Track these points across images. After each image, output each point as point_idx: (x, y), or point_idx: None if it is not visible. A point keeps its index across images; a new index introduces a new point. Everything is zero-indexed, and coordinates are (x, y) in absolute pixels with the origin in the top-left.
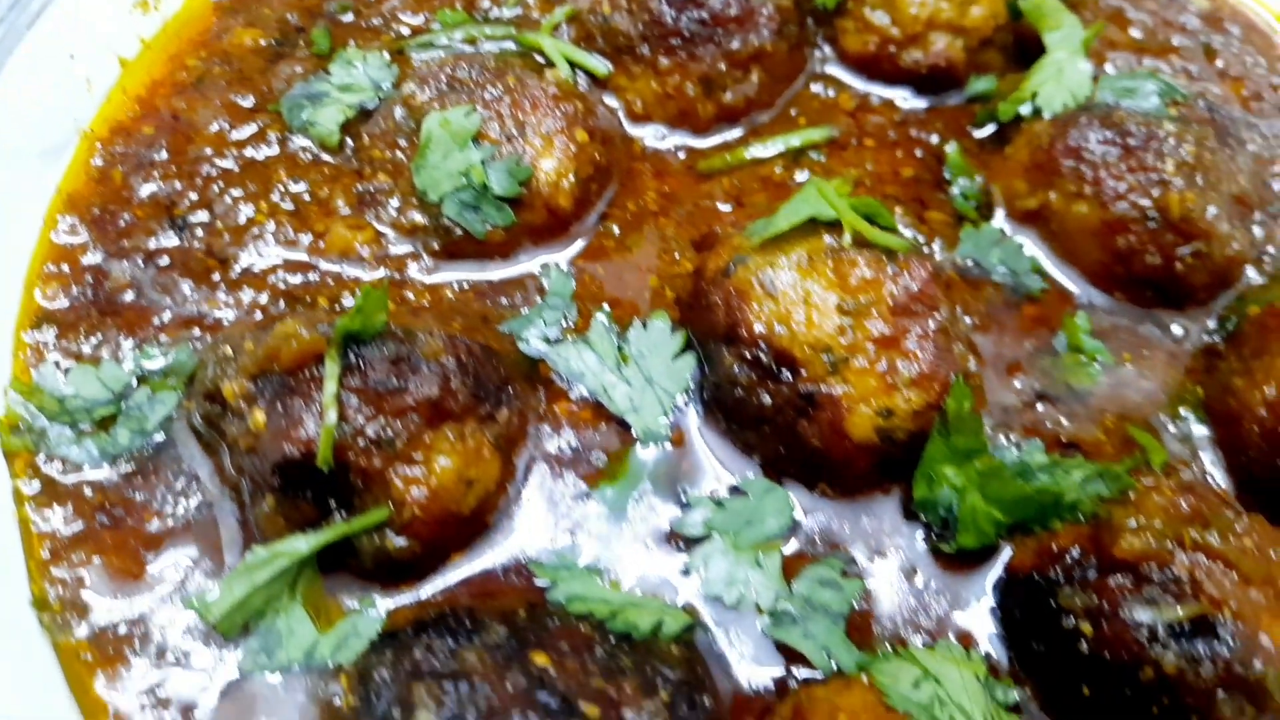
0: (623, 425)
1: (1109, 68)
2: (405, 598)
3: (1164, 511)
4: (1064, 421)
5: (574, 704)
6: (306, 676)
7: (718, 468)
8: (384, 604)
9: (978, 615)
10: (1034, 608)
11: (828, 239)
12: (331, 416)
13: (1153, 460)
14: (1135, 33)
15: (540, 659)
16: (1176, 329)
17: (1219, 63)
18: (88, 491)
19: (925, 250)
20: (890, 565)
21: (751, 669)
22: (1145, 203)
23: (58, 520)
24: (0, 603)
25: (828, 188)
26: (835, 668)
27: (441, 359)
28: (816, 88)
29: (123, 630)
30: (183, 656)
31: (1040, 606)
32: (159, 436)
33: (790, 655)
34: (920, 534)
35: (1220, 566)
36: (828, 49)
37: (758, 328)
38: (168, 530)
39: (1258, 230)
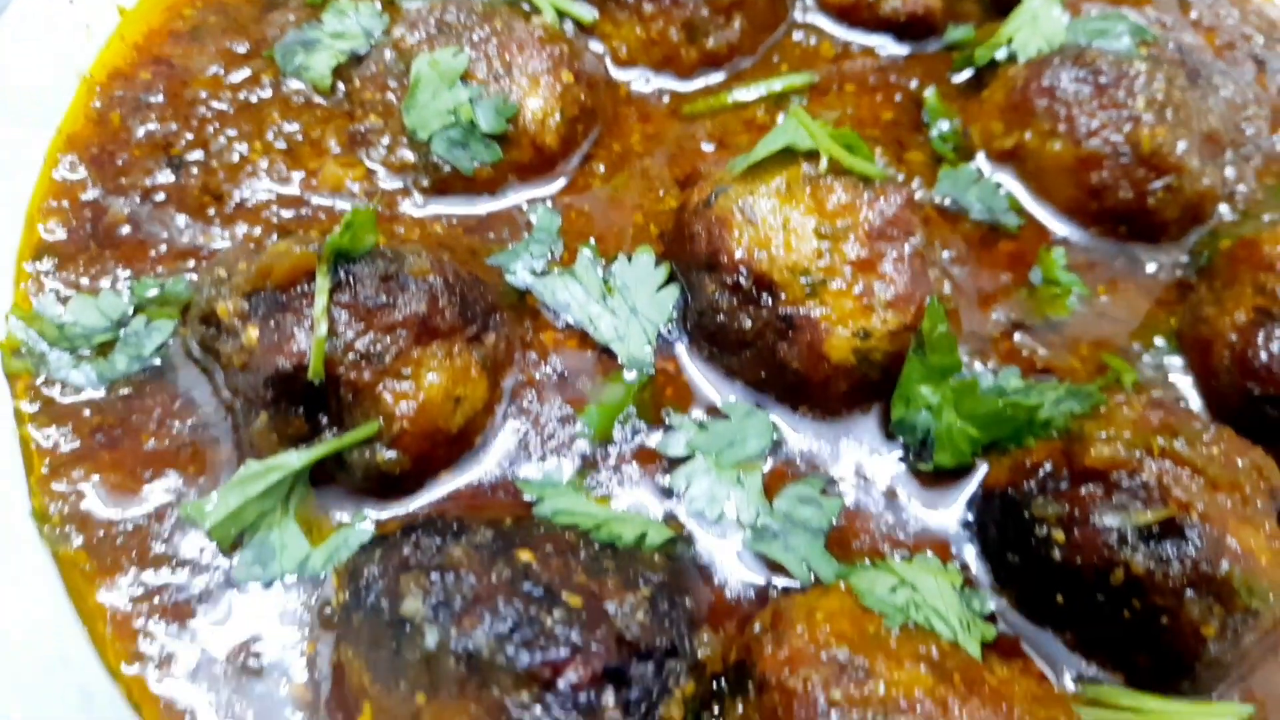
0: (608, 354)
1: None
2: (395, 511)
3: (1133, 423)
4: (1040, 350)
5: (557, 594)
6: (299, 585)
7: (701, 393)
8: (374, 517)
9: (955, 532)
10: (1008, 520)
11: (806, 167)
12: (322, 329)
13: (1124, 380)
14: None
15: (525, 555)
16: (1150, 264)
17: (1193, 14)
18: (86, 412)
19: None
20: (869, 485)
21: (733, 580)
22: (1117, 139)
23: (57, 438)
24: (2, 516)
25: (806, 117)
26: (814, 578)
27: (429, 278)
28: (798, 35)
29: (120, 542)
30: (179, 567)
31: (1014, 519)
32: (155, 362)
33: (771, 567)
34: (899, 454)
35: (1188, 472)
36: None
37: (738, 254)
38: (164, 450)
39: (1230, 170)
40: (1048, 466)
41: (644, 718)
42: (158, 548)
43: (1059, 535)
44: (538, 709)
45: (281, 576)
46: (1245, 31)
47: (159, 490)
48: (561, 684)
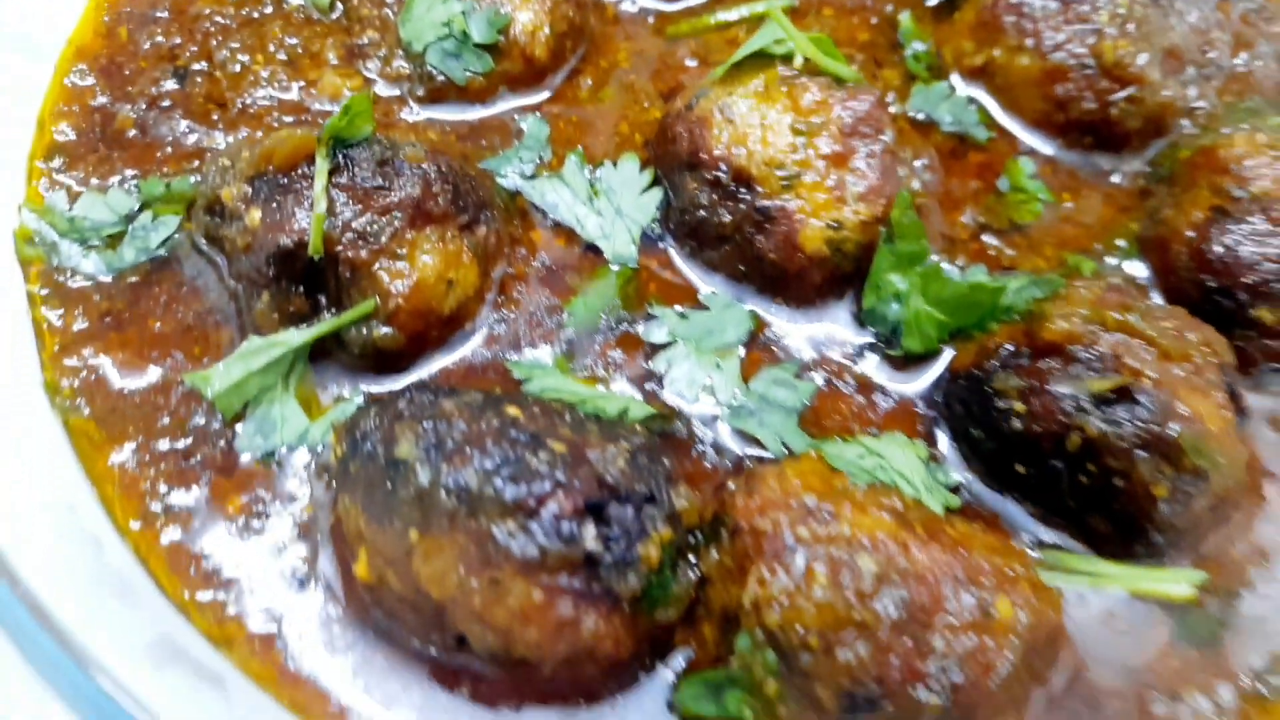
0: (594, 251)
1: None
2: (389, 386)
3: (1090, 302)
4: (1006, 250)
5: (543, 440)
6: (298, 455)
7: (683, 288)
8: (369, 392)
9: (923, 413)
10: (972, 397)
11: (782, 68)
12: (321, 207)
13: (1083, 270)
14: None
15: (513, 410)
16: (1114, 174)
17: None
18: (96, 297)
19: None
20: (842, 369)
21: (711, 453)
22: (1081, 51)
23: (68, 319)
24: (14, 387)
25: (785, 19)
26: (788, 452)
27: (423, 165)
28: None
29: (128, 413)
30: (184, 437)
31: (978, 394)
32: (162, 254)
33: (747, 441)
34: (870, 341)
35: (1140, 343)
36: None
37: (717, 151)
38: (169, 332)
39: (1192, 89)
40: (1009, 346)
41: (623, 555)
42: (164, 419)
43: (1019, 406)
44: (522, 537)
45: (282, 447)
46: None
47: (165, 367)
48: (545, 514)
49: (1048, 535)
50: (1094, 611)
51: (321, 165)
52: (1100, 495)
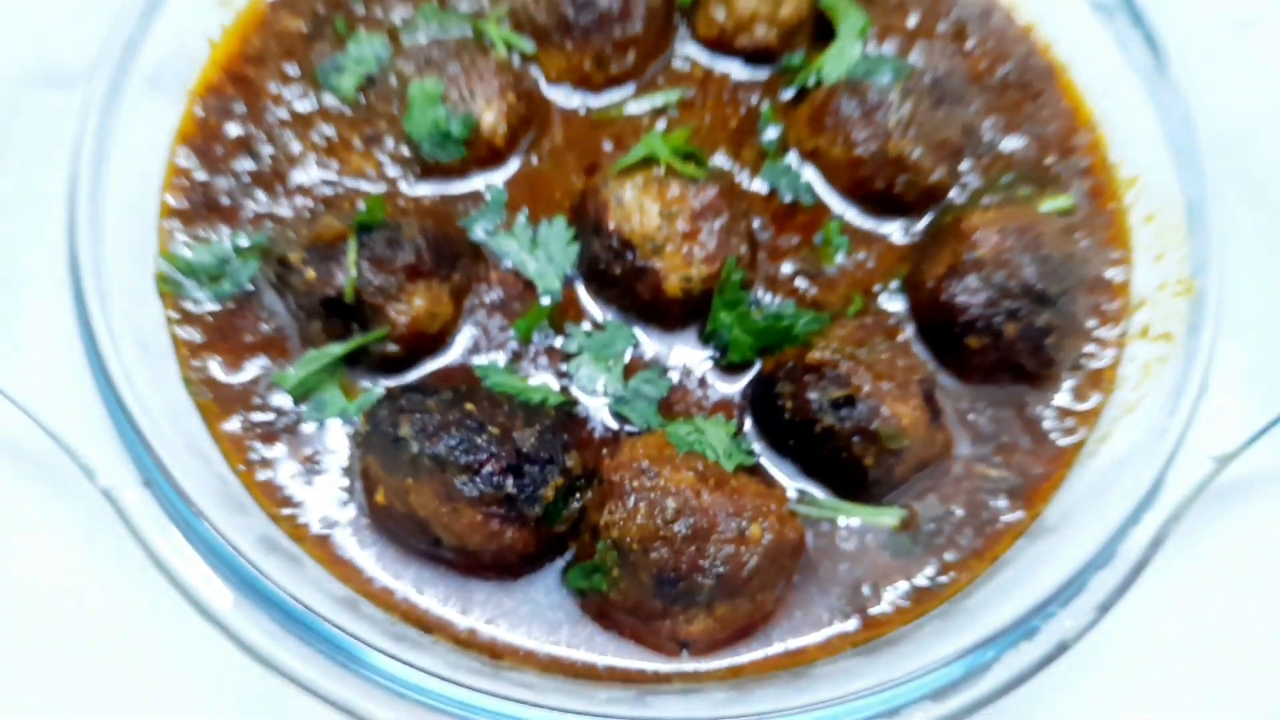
0: (531, 287)
1: (886, 48)
2: (396, 381)
3: (840, 338)
4: (812, 290)
5: (485, 426)
6: (340, 423)
7: (589, 313)
8: (384, 384)
9: (739, 402)
10: (765, 395)
11: (656, 170)
12: (353, 272)
13: (851, 309)
14: (911, 20)
15: (470, 406)
16: (899, 234)
17: (968, 43)
18: (208, 318)
19: (738, 176)
20: (689, 372)
21: (600, 428)
22: (874, 147)
23: (191, 334)
24: (167, 383)
25: (656, 139)
26: (649, 427)
27: (417, 239)
28: (678, 61)
29: (233, 396)
30: (268, 411)
31: (768, 394)
32: (249, 288)
33: (623, 420)
34: (709, 354)
35: (863, 369)
36: (686, 33)
37: (611, 225)
38: (256, 342)
39: (966, 164)
40: (789, 364)
41: (530, 494)
42: (255, 400)
43: (789, 404)
44: (470, 485)
45: (330, 417)
46: (1009, 54)
47: (254, 366)
48: (484, 472)
49: (807, 485)
50: (832, 532)
51: (352, 244)
52: (836, 462)
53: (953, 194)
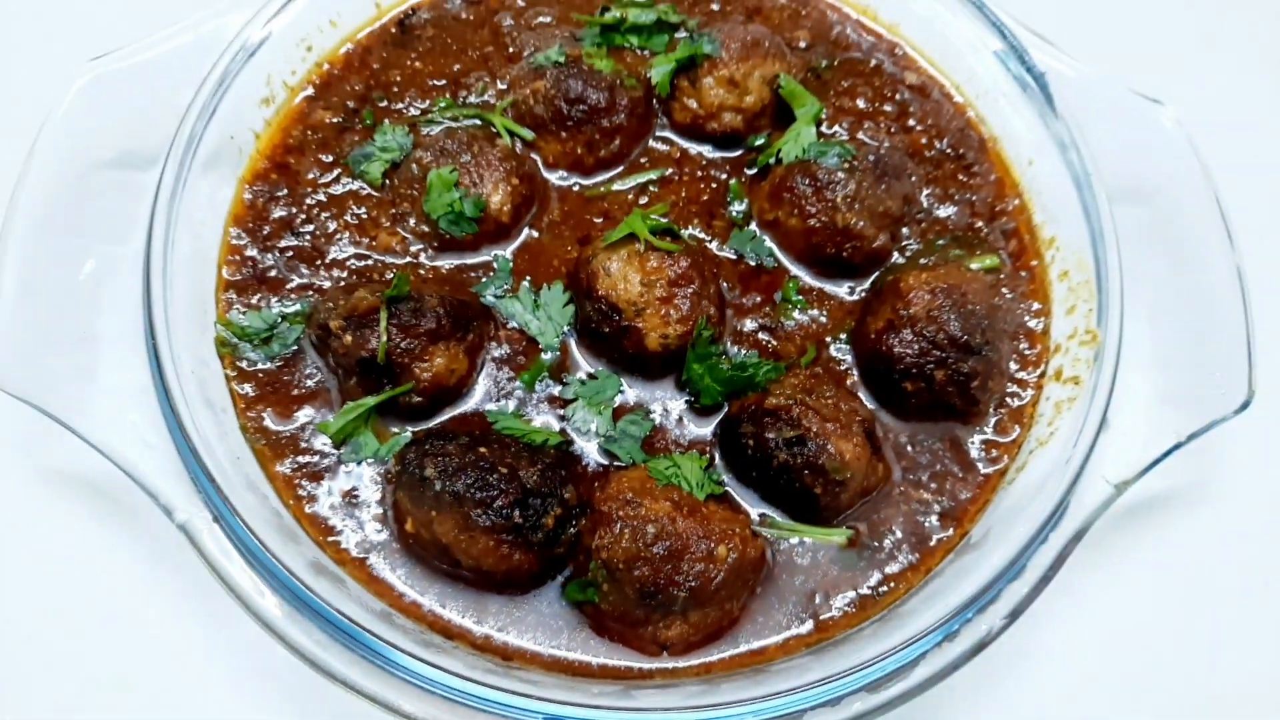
0: (534, 343)
1: (838, 129)
2: (422, 426)
3: (793, 386)
4: (773, 342)
5: (496, 467)
6: (375, 464)
7: (583, 365)
8: (410, 430)
9: (710, 439)
10: (731, 434)
11: (637, 244)
12: (384, 338)
13: (805, 359)
14: (860, 102)
15: (484, 449)
16: (847, 292)
17: (910, 121)
18: (260, 375)
19: (709, 244)
20: (669, 414)
21: (593, 464)
22: (825, 219)
23: (248, 389)
24: (227, 432)
25: (636, 220)
26: (633, 462)
27: (437, 308)
28: (657, 144)
29: (283, 441)
30: (314, 454)
31: (734, 434)
32: (294, 348)
33: (612, 457)
34: (685, 398)
35: (812, 413)
36: (664, 120)
37: (600, 291)
38: (302, 395)
39: (906, 229)
40: (751, 407)
41: (534, 523)
42: (303, 444)
43: (751, 443)
44: (484, 517)
45: (365, 459)
46: (945, 129)
47: (301, 416)
48: (494, 506)
49: (767, 510)
50: (790, 549)
51: (383, 314)
52: (791, 491)
53: (894, 257)
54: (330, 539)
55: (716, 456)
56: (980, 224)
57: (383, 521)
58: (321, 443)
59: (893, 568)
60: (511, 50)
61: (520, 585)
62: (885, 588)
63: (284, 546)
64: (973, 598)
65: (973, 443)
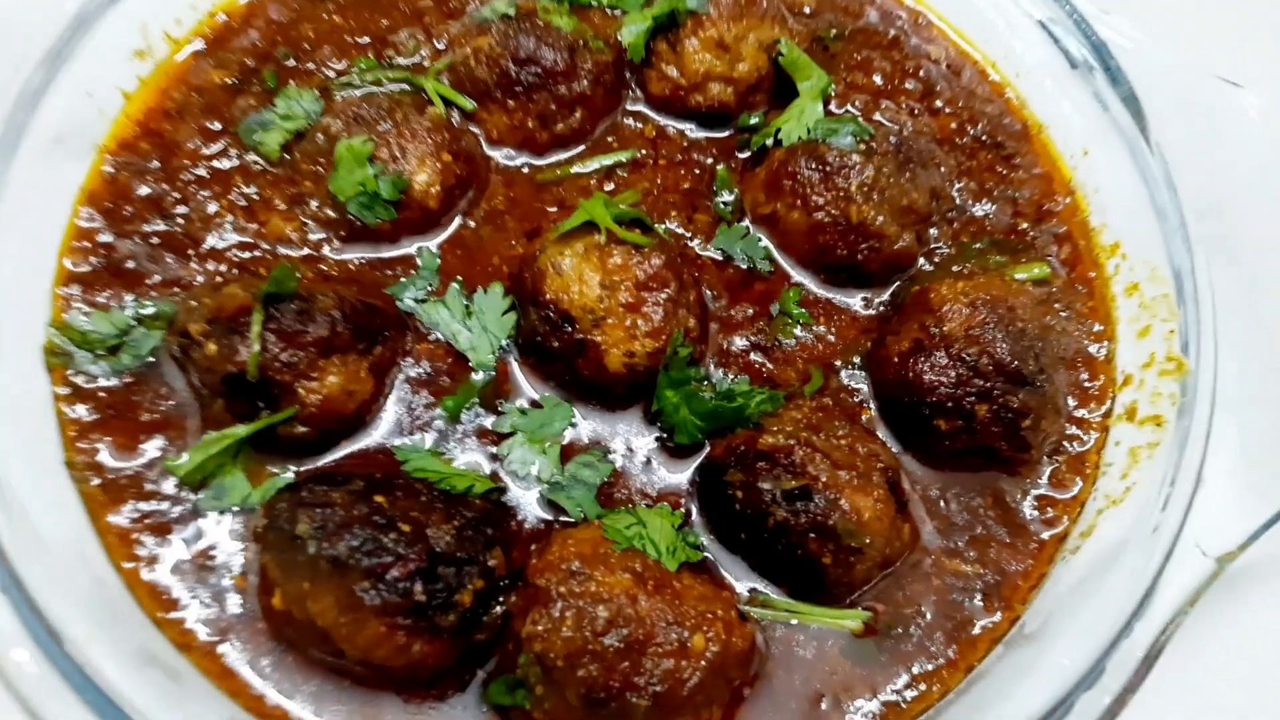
0: (463, 359)
1: (850, 109)
2: (309, 465)
3: (795, 421)
4: (768, 364)
5: (395, 523)
6: (241, 514)
7: (525, 389)
8: (294, 469)
9: (686, 489)
10: (713, 482)
11: (597, 236)
12: (256, 347)
13: (810, 387)
14: (877, 78)
15: (380, 498)
16: (862, 304)
17: (937, 102)
18: (101, 394)
19: (690, 242)
20: (633, 455)
21: (531, 517)
22: (835, 212)
23: (81, 412)
24: (45, 464)
25: (597, 204)
26: (585, 518)
27: (331, 311)
28: (629, 120)
29: (123, 482)
30: (162, 500)
31: (717, 483)
32: (150, 360)
33: (557, 509)
34: (655, 435)
35: (820, 456)
36: (638, 91)
37: (549, 295)
38: (154, 421)
39: (934, 230)
40: (740, 448)
41: (443, 601)
42: (149, 486)
43: (740, 494)
44: (373, 592)
45: (230, 508)
46: (981, 112)
47: (151, 448)
48: (388, 577)
49: (759, 584)
50: (789, 636)
51: (257, 316)
52: (791, 559)
53: (919, 262)
54: (172, 615)
55: (694, 512)
56: (1025, 225)
57: (243, 593)
58: (173, 485)
59: (923, 665)
60: (454, 3)
61: (426, 683)
62: (914, 691)
63: (104, 626)
64: (1043, 715)
65: (1023, 499)
